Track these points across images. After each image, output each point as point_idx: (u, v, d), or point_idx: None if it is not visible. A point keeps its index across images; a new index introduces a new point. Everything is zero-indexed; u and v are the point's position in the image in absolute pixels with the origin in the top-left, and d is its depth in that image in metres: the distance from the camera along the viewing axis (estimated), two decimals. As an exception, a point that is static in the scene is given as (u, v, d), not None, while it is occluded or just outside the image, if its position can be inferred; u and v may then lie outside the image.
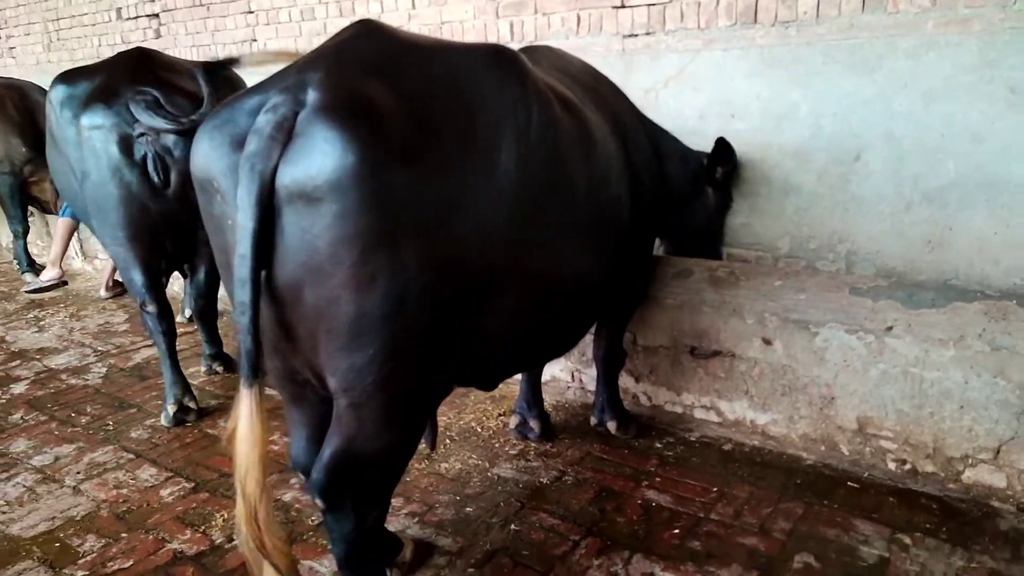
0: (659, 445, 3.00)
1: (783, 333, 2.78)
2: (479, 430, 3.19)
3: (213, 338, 4.00)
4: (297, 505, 2.71)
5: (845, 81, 3.21)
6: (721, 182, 3.25)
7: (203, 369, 4.03)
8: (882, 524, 2.42)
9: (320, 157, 1.43)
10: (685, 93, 3.65)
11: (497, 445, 3.06)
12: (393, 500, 2.25)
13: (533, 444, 3.04)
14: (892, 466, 2.67)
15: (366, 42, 1.69)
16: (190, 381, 3.58)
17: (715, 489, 2.66)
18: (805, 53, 3.29)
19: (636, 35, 3.76)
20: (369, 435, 1.70)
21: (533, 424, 3.02)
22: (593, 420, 3.09)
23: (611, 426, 3.03)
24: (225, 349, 4.12)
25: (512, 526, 2.51)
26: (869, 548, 2.30)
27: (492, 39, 4.30)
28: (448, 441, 3.10)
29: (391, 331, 1.57)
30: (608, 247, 2.22)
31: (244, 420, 1.54)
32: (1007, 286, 2.96)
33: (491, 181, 1.67)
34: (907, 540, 2.33)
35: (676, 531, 2.44)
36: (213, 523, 2.62)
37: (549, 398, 3.34)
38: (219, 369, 4.01)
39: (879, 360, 2.59)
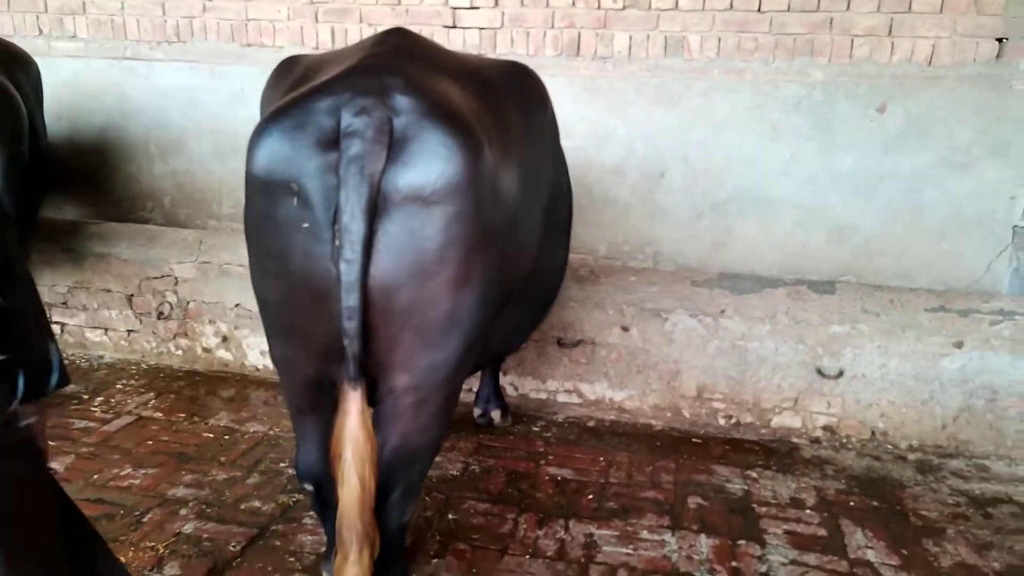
0: (536, 428, 3.33)
1: (639, 321, 3.31)
2: (363, 435, 3.20)
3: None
4: (205, 536, 2.49)
5: (653, 112, 3.89)
6: None
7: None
8: (732, 466, 3.05)
9: (438, 162, 1.50)
10: (517, 112, 4.03)
11: (390, 446, 3.11)
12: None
13: (426, 441, 3.15)
14: (722, 422, 3.35)
15: (413, 48, 1.76)
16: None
17: (602, 459, 3.08)
18: (621, 85, 3.90)
19: (468, 54, 4.05)
20: (424, 428, 1.76)
21: (428, 421, 3.13)
22: (477, 411, 3.30)
23: (495, 415, 3.27)
24: None
25: (450, 515, 2.64)
26: (733, 485, 2.91)
27: (310, 44, 4.23)
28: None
29: (472, 327, 1.67)
30: (561, 242, 2.51)
31: (355, 416, 1.55)
32: (770, 277, 3.87)
33: (529, 181, 1.87)
34: (754, 475, 2.99)
35: (590, 497, 2.80)
36: None
37: (419, 397, 3.46)
38: None
39: (715, 337, 3.25)
